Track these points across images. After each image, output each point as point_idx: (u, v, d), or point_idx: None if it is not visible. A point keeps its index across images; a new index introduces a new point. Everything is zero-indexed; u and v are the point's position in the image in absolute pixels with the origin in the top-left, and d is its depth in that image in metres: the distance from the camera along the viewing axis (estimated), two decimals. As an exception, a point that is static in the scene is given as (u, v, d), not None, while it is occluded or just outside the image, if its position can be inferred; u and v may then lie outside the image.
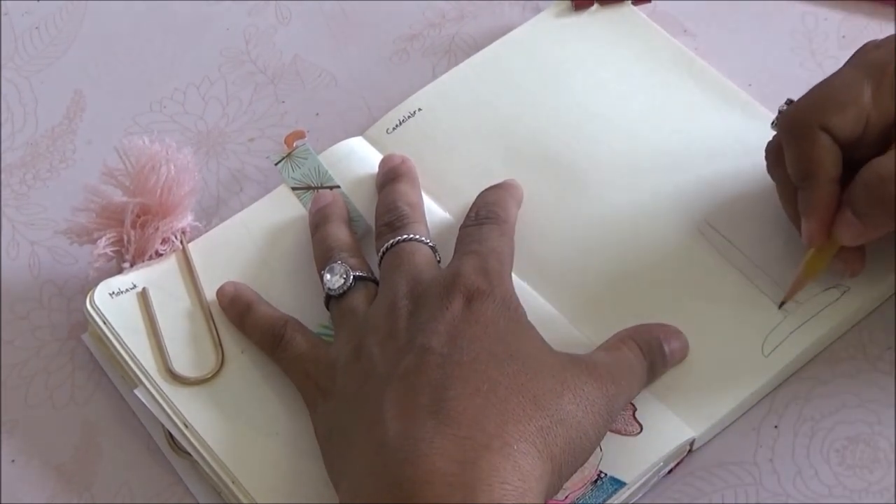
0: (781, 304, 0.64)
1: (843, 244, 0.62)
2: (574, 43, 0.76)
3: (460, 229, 0.66)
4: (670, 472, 0.62)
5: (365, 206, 0.70)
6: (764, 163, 0.65)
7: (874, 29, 0.75)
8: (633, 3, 0.77)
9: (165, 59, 0.81)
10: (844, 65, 0.63)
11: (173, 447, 0.65)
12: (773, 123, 0.65)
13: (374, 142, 0.74)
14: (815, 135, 0.61)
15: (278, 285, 0.68)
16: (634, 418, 0.61)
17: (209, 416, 0.63)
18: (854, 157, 0.61)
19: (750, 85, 0.72)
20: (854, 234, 0.61)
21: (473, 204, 0.67)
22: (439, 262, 0.65)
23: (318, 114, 0.77)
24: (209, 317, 0.67)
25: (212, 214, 0.73)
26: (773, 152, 0.65)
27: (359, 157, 0.73)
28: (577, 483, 0.60)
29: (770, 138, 0.65)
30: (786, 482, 0.61)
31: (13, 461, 0.66)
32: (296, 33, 0.81)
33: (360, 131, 0.75)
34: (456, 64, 0.77)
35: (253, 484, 0.61)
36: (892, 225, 0.61)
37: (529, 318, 0.61)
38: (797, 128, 0.62)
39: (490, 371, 0.57)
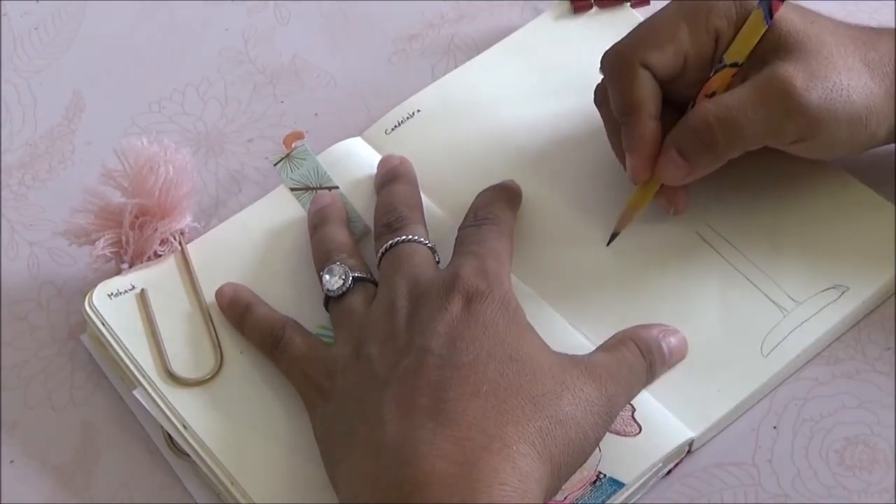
0: (610, 240, 0.67)
1: (670, 183, 0.65)
2: (573, 45, 0.76)
3: (459, 230, 0.66)
4: (669, 472, 0.62)
5: (364, 207, 0.70)
6: (763, 162, 0.66)
7: None
8: (631, 6, 0.77)
9: (164, 59, 0.81)
10: (665, 6, 0.65)
11: (172, 448, 0.65)
12: (600, 64, 0.66)
13: (372, 142, 0.74)
14: (635, 71, 0.63)
15: (277, 286, 0.68)
16: (633, 419, 0.61)
17: (208, 417, 0.63)
18: (673, 96, 0.65)
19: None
20: (679, 174, 0.64)
21: (472, 205, 0.67)
22: (438, 262, 0.65)
23: (316, 114, 0.77)
24: (208, 318, 0.67)
25: (210, 215, 0.73)
26: (600, 91, 0.67)
27: (358, 158, 0.73)
28: (576, 484, 0.60)
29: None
30: (785, 483, 0.61)
31: (12, 462, 0.66)
32: (295, 34, 0.81)
33: (359, 132, 0.75)
34: (455, 65, 0.77)
35: (252, 485, 0.61)
36: (716, 166, 0.64)
37: (529, 318, 0.61)
38: (618, 64, 0.64)
39: (489, 372, 0.57)
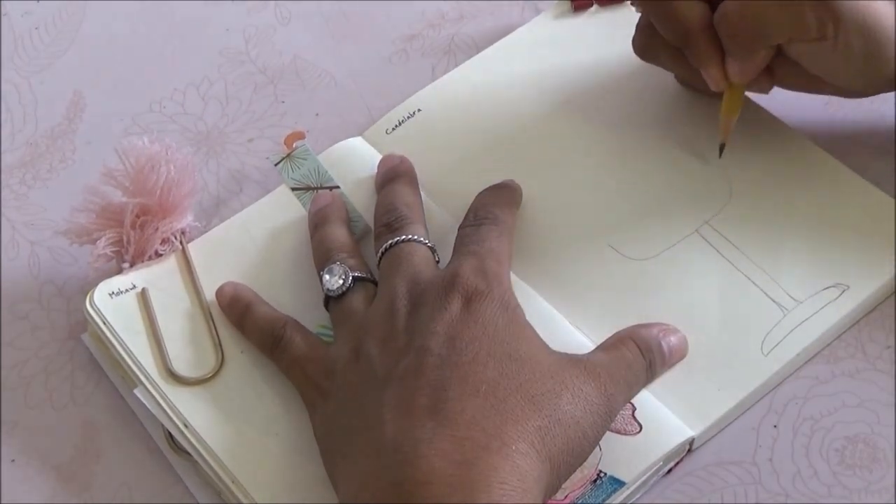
0: (721, 150, 0.68)
1: (738, 82, 0.66)
2: (573, 44, 0.76)
3: (459, 230, 0.66)
4: (670, 471, 0.62)
5: (364, 207, 0.70)
6: (763, 159, 0.66)
7: None
8: (631, 4, 0.77)
9: (165, 59, 0.81)
10: None
11: (173, 447, 0.65)
12: (633, 5, 0.68)
13: (373, 142, 0.74)
14: None
15: (278, 286, 0.68)
16: (634, 418, 0.62)
17: (209, 416, 0.63)
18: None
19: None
20: (737, 72, 0.66)
21: (472, 204, 0.67)
22: (438, 262, 0.65)
23: (317, 114, 0.77)
24: (209, 317, 0.67)
25: (211, 215, 0.73)
26: (641, 34, 0.69)
27: (358, 158, 0.73)
28: (576, 483, 0.60)
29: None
30: (785, 482, 0.61)
31: (13, 461, 0.66)
32: (295, 33, 0.81)
33: (360, 131, 0.75)
34: (455, 64, 0.77)
35: (253, 484, 0.61)
36: (757, 57, 0.65)
37: (529, 318, 0.61)
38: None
39: (489, 372, 0.57)
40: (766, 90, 0.68)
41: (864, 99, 0.69)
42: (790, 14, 0.63)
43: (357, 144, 0.74)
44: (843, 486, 0.60)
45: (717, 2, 0.65)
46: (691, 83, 0.70)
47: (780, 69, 0.67)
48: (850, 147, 0.69)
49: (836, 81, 0.66)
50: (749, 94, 0.69)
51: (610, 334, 0.63)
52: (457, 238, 0.65)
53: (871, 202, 0.67)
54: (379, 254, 0.65)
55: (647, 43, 0.69)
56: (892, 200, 0.67)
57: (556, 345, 0.61)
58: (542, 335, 0.61)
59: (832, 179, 0.68)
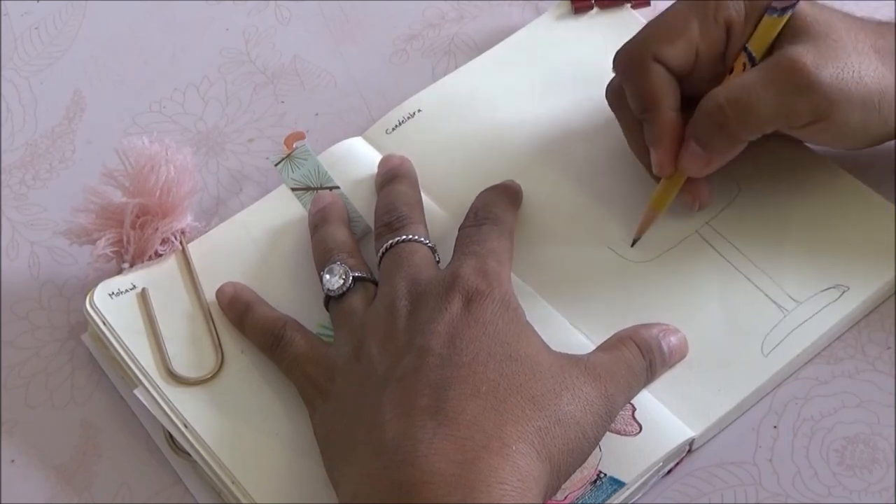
0: (634, 242, 0.67)
1: (691, 175, 0.65)
2: (573, 45, 0.76)
3: (459, 230, 0.66)
4: (670, 472, 0.62)
5: (364, 207, 0.70)
6: (764, 161, 0.66)
7: None
8: (631, 7, 0.77)
9: (165, 59, 0.81)
10: (675, 2, 0.66)
11: (173, 447, 0.65)
12: (613, 66, 0.67)
13: (373, 142, 0.74)
14: (649, 66, 0.64)
15: (278, 286, 0.68)
16: (634, 418, 0.62)
17: (209, 416, 0.63)
18: (691, 92, 0.65)
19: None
20: (700, 165, 0.65)
21: (472, 205, 0.67)
22: (438, 262, 0.65)
23: (317, 114, 0.77)
24: (209, 317, 0.67)
25: (211, 215, 0.73)
26: (613, 92, 0.68)
27: (358, 158, 0.73)
28: (576, 483, 0.60)
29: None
30: (785, 482, 0.61)
31: (13, 461, 0.66)
32: (295, 34, 0.81)
33: (360, 132, 0.75)
34: (456, 65, 0.77)
35: (253, 484, 0.61)
36: (734, 150, 0.64)
37: (529, 318, 0.61)
38: (632, 61, 0.65)
39: (489, 372, 0.57)
40: (695, 205, 0.67)
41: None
42: (783, 105, 0.62)
43: (357, 144, 0.74)
44: (842, 487, 0.60)
45: (690, 85, 0.64)
46: (639, 158, 0.68)
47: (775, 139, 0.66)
48: (848, 151, 0.69)
49: (835, 149, 0.67)
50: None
51: (610, 334, 0.63)
52: (457, 238, 0.65)
53: (870, 204, 0.67)
54: (379, 254, 0.65)
55: (615, 98, 0.68)
56: (891, 203, 0.67)
57: (556, 345, 0.61)
58: (542, 335, 0.61)
59: (831, 182, 0.68)
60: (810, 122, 0.63)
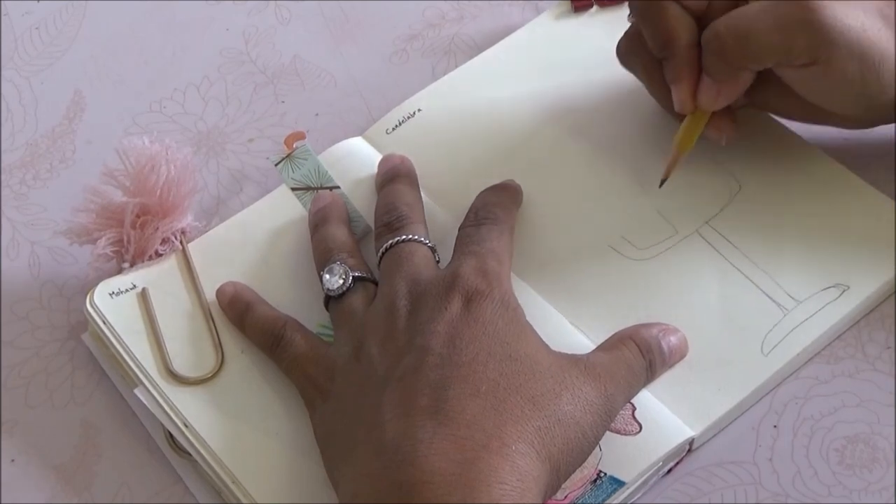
0: (662, 182, 0.67)
1: (707, 108, 0.66)
2: (573, 44, 0.76)
3: (459, 230, 0.66)
4: (670, 471, 0.62)
5: (365, 207, 0.70)
6: (763, 159, 0.66)
7: None
8: (629, 7, 0.77)
9: (165, 59, 0.81)
10: None
11: (173, 447, 0.65)
12: (628, 15, 0.69)
13: (373, 142, 0.74)
14: (664, 5, 0.65)
15: (278, 285, 0.68)
16: (634, 418, 0.62)
17: (209, 415, 0.63)
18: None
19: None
20: (713, 96, 0.66)
21: (472, 204, 0.67)
22: (438, 262, 0.65)
23: (317, 114, 0.77)
24: (209, 317, 0.67)
25: (212, 215, 0.73)
26: (627, 41, 0.69)
27: (358, 158, 0.73)
28: (576, 482, 0.60)
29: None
30: (785, 482, 0.61)
31: (13, 461, 0.66)
32: (295, 34, 0.81)
33: (360, 132, 0.75)
34: (456, 64, 0.77)
35: (253, 484, 0.61)
36: (740, 80, 0.65)
37: (529, 318, 0.61)
38: (648, 2, 0.65)
39: (489, 372, 0.57)
40: (722, 139, 0.68)
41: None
42: (782, 36, 0.62)
43: (357, 144, 0.74)
44: (842, 487, 0.60)
45: (706, 22, 0.65)
46: (659, 101, 0.70)
47: (776, 96, 0.66)
48: (849, 148, 0.69)
49: (831, 108, 0.66)
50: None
51: (610, 334, 0.63)
52: (457, 238, 0.65)
53: (871, 203, 0.67)
54: (379, 253, 0.65)
55: (629, 50, 0.69)
56: (892, 201, 0.67)
57: (556, 345, 0.61)
58: (542, 335, 0.61)
59: (832, 180, 0.68)
60: (808, 63, 0.63)
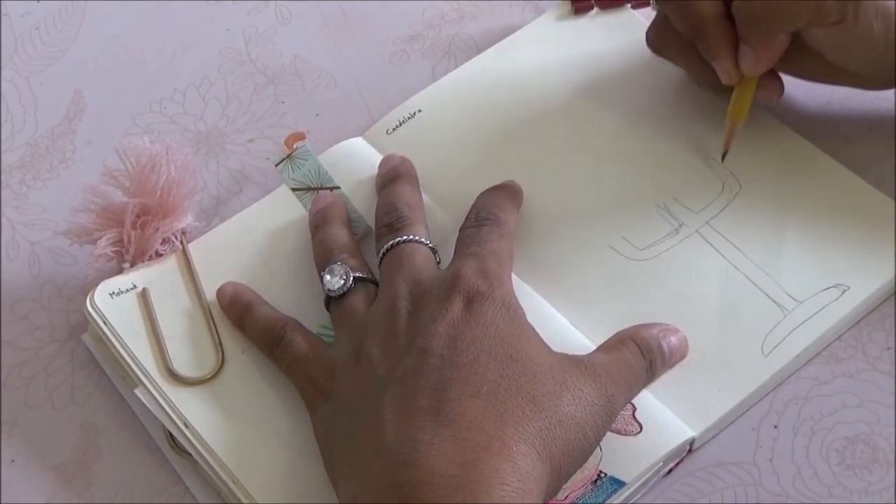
0: (724, 156, 0.68)
1: (751, 74, 0.67)
2: (573, 46, 0.76)
3: (460, 231, 0.66)
4: (670, 472, 0.62)
5: (365, 207, 0.70)
6: (764, 159, 0.66)
7: None
8: (631, 7, 0.77)
9: (165, 59, 0.81)
10: None
11: (173, 447, 0.65)
12: (652, 4, 0.70)
13: (373, 142, 0.74)
14: None
15: (278, 286, 0.68)
16: (634, 418, 0.62)
17: (209, 416, 0.63)
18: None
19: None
20: (753, 62, 0.66)
21: (473, 205, 0.67)
22: (439, 263, 0.65)
23: (317, 114, 0.77)
24: (209, 317, 0.67)
25: (212, 215, 0.73)
26: (655, 28, 0.70)
27: (359, 158, 0.73)
28: (577, 483, 0.60)
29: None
30: (785, 482, 0.61)
31: (13, 461, 0.66)
32: (295, 34, 0.81)
33: (360, 132, 0.75)
34: (456, 65, 0.77)
35: (253, 484, 0.61)
36: (776, 43, 0.65)
37: (529, 318, 0.61)
38: None
39: (489, 373, 0.57)
40: (774, 96, 0.69)
41: (864, 99, 0.69)
42: None
43: (357, 145, 0.74)
44: (843, 487, 0.60)
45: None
46: (702, 79, 0.70)
47: (800, 59, 0.67)
48: (849, 148, 0.70)
49: (855, 67, 0.66)
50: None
51: (610, 334, 0.63)
52: (458, 239, 0.65)
53: (871, 203, 0.67)
54: (380, 254, 0.65)
55: (659, 37, 0.70)
56: (892, 201, 0.67)
57: (556, 345, 0.61)
58: (542, 335, 0.61)
59: (832, 180, 0.68)
60: (836, 21, 0.63)
